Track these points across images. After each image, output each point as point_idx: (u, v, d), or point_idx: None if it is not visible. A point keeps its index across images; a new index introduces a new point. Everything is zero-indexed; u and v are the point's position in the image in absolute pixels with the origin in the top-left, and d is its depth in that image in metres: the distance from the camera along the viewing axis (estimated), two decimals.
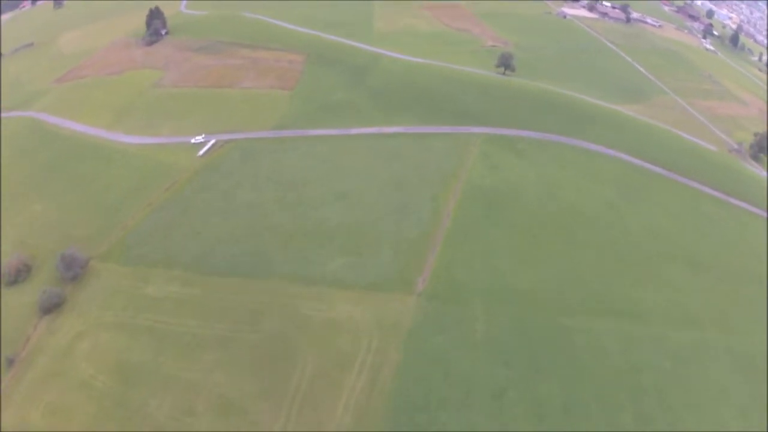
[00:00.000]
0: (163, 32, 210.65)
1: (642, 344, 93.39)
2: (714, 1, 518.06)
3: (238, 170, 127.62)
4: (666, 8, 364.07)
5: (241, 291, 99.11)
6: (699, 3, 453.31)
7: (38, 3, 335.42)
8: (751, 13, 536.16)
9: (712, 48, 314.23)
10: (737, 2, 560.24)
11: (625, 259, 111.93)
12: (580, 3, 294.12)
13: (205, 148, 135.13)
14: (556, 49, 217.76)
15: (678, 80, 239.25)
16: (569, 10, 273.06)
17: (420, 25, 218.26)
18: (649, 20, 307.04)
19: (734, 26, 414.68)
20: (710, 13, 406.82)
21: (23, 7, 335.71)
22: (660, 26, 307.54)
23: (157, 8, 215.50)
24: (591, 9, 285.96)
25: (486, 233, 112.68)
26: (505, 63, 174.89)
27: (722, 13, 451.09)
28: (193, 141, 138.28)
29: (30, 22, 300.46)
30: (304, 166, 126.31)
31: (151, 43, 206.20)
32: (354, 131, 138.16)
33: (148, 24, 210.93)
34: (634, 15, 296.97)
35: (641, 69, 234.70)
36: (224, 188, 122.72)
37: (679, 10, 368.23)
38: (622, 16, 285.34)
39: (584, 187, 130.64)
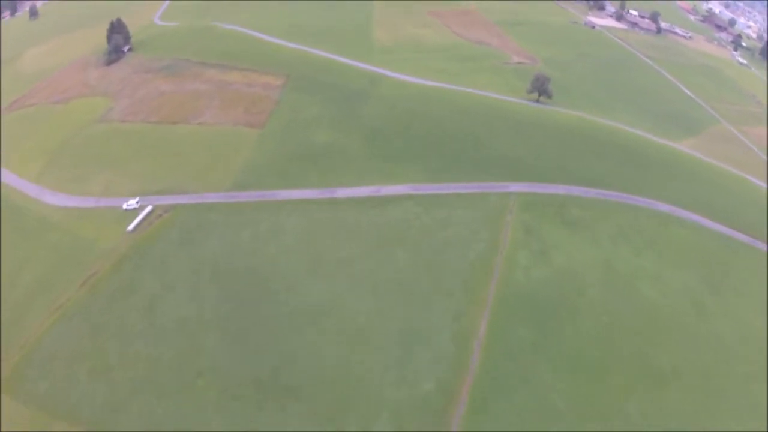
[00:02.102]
0: (126, 49, 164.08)
1: None
2: (722, 1, 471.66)
3: (173, 260, 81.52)
4: (692, 17, 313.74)
5: None
6: (715, 9, 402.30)
7: (17, 14, 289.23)
8: (764, 20, 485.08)
9: (744, 62, 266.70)
10: (749, 9, 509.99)
11: (721, 394, 71.66)
12: (606, 12, 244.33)
13: (137, 220, 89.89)
14: (590, 65, 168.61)
15: (725, 103, 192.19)
16: (597, 20, 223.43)
17: (428, 36, 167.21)
18: (678, 31, 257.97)
19: (754, 35, 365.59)
20: (732, 22, 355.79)
21: (4, 17, 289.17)
22: (690, 37, 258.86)
23: (118, 21, 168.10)
24: (619, 18, 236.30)
25: (535, 376, 67.78)
26: (540, 87, 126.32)
27: (741, 21, 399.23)
28: (125, 207, 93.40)
29: (4, 35, 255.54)
30: (265, 255, 79.26)
31: (110, 62, 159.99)
32: (341, 193, 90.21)
33: (109, 39, 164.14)
34: (664, 25, 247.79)
35: (685, 89, 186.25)
36: (151, 292, 77.52)
37: (705, 19, 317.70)
38: (653, 26, 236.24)
39: (664, 278, 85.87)
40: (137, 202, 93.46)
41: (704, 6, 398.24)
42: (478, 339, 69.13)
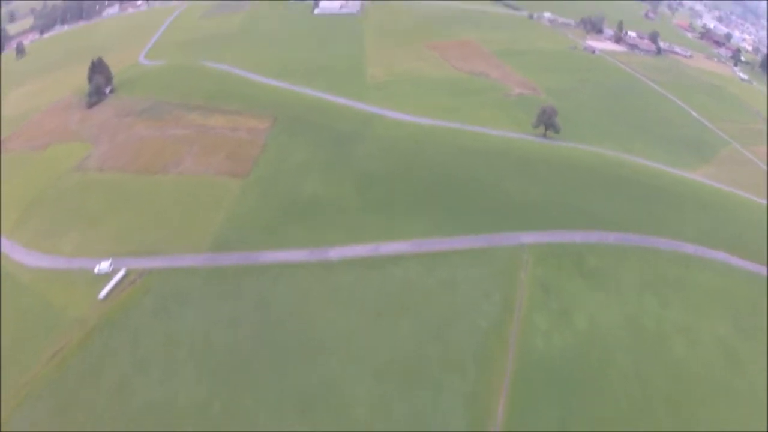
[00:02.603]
0: (107, 90, 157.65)
1: None
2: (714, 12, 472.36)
3: (146, 335, 72.82)
4: (689, 35, 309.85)
5: None
6: (709, 24, 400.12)
7: (5, 51, 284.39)
8: (757, 31, 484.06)
9: (746, 77, 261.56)
10: (742, 21, 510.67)
11: None
12: (605, 35, 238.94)
13: (109, 286, 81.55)
14: (594, 93, 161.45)
15: (733, 122, 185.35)
16: (596, 44, 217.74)
17: (425, 69, 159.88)
18: (678, 50, 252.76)
19: (750, 48, 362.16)
20: (729, 36, 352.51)
21: None
22: (690, 56, 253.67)
23: (99, 60, 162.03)
24: (618, 41, 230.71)
25: None
26: (547, 121, 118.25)
27: (736, 35, 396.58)
28: (96, 270, 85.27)
29: None
30: (248, 330, 70.27)
31: (91, 105, 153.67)
32: (334, 254, 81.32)
33: (90, 79, 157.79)
34: (663, 45, 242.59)
35: (692, 112, 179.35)
36: (122, 371, 68.94)
37: (703, 36, 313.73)
38: (653, 47, 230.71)
39: (693, 329, 78.54)
40: (110, 266, 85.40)
41: (699, 22, 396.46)
42: (496, 425, 59.80)
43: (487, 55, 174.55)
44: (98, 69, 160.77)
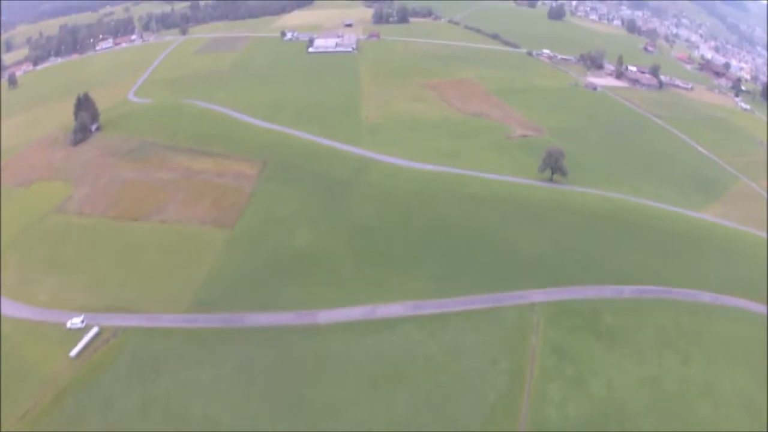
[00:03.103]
0: (93, 127, 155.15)
1: None
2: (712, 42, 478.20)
3: (119, 400, 68.03)
4: (688, 67, 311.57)
5: None
6: (707, 55, 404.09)
7: None
8: (754, 59, 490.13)
9: (747, 107, 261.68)
10: (738, 49, 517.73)
11: None
12: (605, 70, 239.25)
13: (82, 344, 77.41)
14: (599, 132, 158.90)
15: (740, 156, 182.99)
16: (597, 80, 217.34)
17: (422, 110, 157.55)
18: (679, 83, 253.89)
19: (748, 76, 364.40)
20: (727, 66, 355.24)
21: None
22: (691, 88, 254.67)
23: (85, 96, 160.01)
24: (619, 76, 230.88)
25: None
26: (554, 164, 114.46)
27: (734, 64, 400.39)
28: (69, 325, 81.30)
29: None
30: (230, 402, 64.90)
31: (77, 142, 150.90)
32: (323, 317, 76.04)
33: (75, 116, 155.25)
34: (664, 78, 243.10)
35: (698, 147, 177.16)
36: None
37: (702, 67, 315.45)
38: (654, 81, 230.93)
39: (714, 385, 74.19)
40: (82, 321, 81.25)
41: (696, 53, 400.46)
42: None
43: (487, 94, 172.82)
44: (84, 105, 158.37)
